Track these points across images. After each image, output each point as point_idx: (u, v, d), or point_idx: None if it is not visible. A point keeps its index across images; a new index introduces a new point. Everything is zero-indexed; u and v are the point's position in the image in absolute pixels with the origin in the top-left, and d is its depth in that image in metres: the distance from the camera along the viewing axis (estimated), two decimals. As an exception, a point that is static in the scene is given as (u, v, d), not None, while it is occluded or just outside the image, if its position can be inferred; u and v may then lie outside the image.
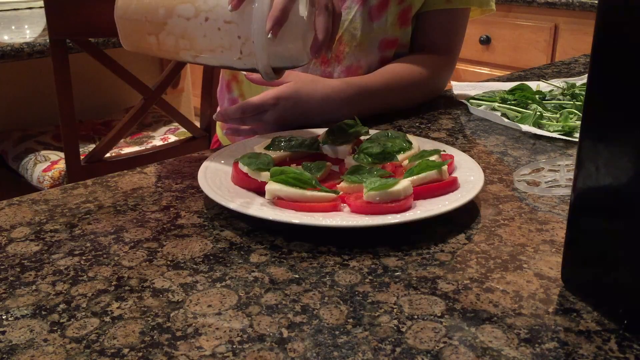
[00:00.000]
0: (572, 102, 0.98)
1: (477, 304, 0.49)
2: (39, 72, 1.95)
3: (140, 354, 0.43)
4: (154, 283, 0.52)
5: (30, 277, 0.53)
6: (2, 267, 0.55)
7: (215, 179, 0.67)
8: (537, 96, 1.01)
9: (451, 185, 0.65)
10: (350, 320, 0.47)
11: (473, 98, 1.04)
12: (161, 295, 0.50)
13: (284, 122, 0.86)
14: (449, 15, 1.03)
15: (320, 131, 0.81)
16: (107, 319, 0.47)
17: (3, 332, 0.46)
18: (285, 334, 0.46)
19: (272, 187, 0.62)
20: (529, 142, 0.86)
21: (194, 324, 0.47)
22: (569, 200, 0.51)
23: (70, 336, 0.45)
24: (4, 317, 0.48)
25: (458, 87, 1.12)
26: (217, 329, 0.46)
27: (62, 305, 0.49)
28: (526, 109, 0.96)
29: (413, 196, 0.62)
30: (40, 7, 2.12)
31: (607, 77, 0.45)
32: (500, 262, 0.55)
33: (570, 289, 0.51)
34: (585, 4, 2.17)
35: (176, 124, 1.85)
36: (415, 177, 0.64)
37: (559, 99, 1.02)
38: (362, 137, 0.78)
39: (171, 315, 0.48)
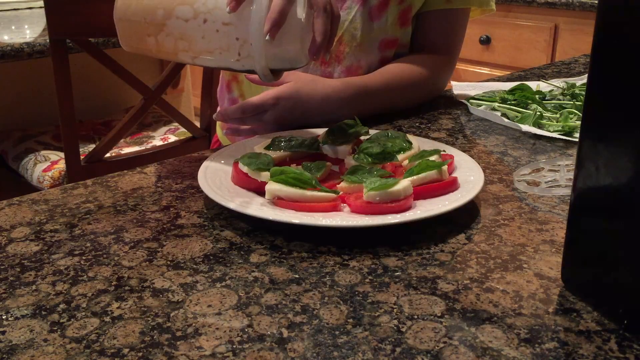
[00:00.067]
0: (572, 102, 0.98)
1: (477, 304, 0.49)
2: (39, 72, 1.95)
3: (140, 354, 0.43)
4: (154, 283, 0.52)
5: (30, 277, 0.53)
6: (2, 267, 0.55)
7: (215, 179, 0.67)
8: (537, 96, 1.01)
9: (451, 185, 0.65)
10: (350, 320, 0.47)
11: (473, 98, 1.04)
12: (161, 295, 0.50)
13: (284, 122, 0.86)
14: (449, 15, 1.03)
15: (320, 131, 0.81)
16: (107, 319, 0.47)
17: (3, 332, 0.46)
18: (285, 334, 0.46)
19: (272, 187, 0.62)
20: (529, 142, 0.86)
21: (194, 324, 0.47)
22: (569, 200, 0.51)
23: (70, 336, 0.45)
24: (4, 317, 0.48)
25: (458, 87, 1.12)
26: (217, 329, 0.46)
27: (62, 305, 0.49)
28: (526, 109, 0.96)
29: (413, 196, 0.62)
30: (40, 7, 2.12)
31: (607, 77, 0.45)
32: (500, 262, 0.55)
33: (570, 289, 0.51)
34: (585, 4, 2.17)
35: (176, 124, 1.85)
36: (415, 177, 0.64)
37: (559, 99, 1.02)
38: (362, 137, 0.78)
39: (171, 315, 0.48)
